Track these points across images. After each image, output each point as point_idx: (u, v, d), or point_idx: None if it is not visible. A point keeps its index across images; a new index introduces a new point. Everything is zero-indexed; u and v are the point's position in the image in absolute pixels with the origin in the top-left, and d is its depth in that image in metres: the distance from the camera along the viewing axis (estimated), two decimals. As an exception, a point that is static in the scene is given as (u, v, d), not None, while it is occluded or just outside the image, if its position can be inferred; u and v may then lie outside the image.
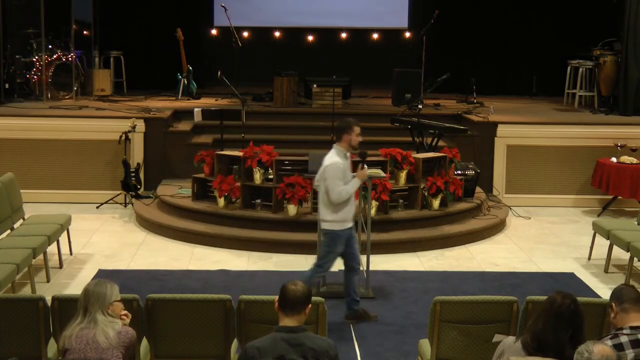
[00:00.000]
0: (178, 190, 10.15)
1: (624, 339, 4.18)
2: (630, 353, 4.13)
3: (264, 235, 8.95)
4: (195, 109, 10.58)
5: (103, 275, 7.78)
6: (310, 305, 4.19)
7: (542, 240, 9.63)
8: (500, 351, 4.24)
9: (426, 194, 9.42)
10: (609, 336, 4.25)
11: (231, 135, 10.54)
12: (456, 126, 10.78)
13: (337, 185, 6.63)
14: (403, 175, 9.40)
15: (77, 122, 10.97)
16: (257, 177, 9.24)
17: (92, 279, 7.26)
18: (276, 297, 4.19)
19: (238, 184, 9.29)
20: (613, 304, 4.33)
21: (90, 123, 10.97)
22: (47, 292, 7.19)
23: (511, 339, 4.24)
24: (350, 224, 6.88)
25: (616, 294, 4.36)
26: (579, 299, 5.37)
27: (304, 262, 8.39)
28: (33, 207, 9.44)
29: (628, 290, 4.38)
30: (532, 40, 14.78)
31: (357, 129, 6.75)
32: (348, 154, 6.83)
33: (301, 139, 11.34)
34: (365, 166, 7.02)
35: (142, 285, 7.47)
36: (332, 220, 6.77)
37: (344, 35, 15.69)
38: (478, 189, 10.42)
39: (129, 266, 8.35)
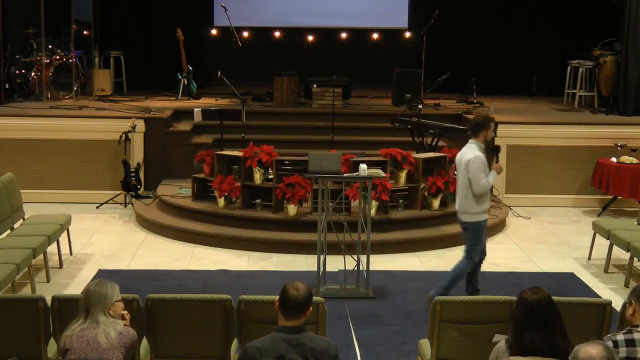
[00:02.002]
0: (178, 190, 10.15)
1: (637, 335, 4.19)
2: None
3: (264, 235, 8.95)
4: (195, 109, 10.58)
5: (103, 275, 7.77)
6: (310, 307, 4.19)
7: (542, 240, 9.63)
8: (495, 356, 4.23)
9: (426, 194, 9.42)
10: (623, 331, 4.26)
11: (231, 135, 10.54)
12: (456, 126, 10.76)
13: (482, 177, 6.97)
14: (403, 175, 9.40)
15: (77, 122, 10.97)
16: (257, 177, 9.24)
17: (92, 279, 7.30)
18: (276, 297, 4.19)
19: (238, 184, 9.29)
20: (633, 301, 4.33)
21: (90, 123, 10.97)
22: (47, 292, 7.19)
23: (503, 342, 4.22)
24: (487, 215, 7.22)
25: (637, 292, 4.37)
26: (579, 299, 5.42)
27: (303, 262, 8.41)
28: (33, 207, 9.44)
29: None
30: (532, 40, 14.79)
31: (492, 125, 7.19)
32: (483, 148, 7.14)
33: (301, 139, 11.35)
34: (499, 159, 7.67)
35: (142, 285, 7.46)
36: (476, 212, 7.08)
37: (344, 35, 15.69)
38: (478, 189, 10.40)
39: (129, 266, 8.34)
